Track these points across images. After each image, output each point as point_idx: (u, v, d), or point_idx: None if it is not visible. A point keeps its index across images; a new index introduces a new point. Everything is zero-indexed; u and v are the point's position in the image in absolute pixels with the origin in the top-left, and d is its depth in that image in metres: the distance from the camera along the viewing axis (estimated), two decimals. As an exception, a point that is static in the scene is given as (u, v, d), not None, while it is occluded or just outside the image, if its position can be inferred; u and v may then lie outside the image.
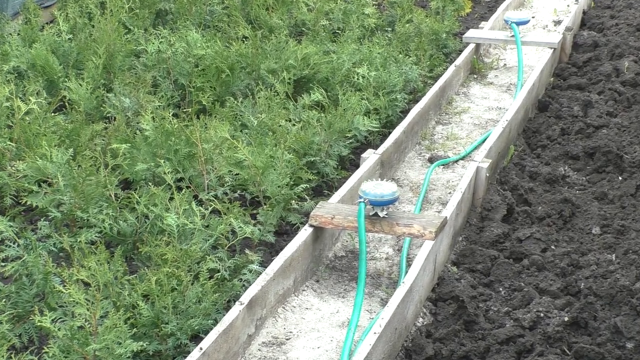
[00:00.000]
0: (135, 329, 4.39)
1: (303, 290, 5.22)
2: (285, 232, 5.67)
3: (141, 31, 8.20)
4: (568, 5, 10.96)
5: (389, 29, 9.18)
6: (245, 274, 4.96)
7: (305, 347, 4.75)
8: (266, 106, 6.66)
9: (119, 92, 6.80)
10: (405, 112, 7.27)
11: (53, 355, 4.12)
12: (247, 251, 5.13)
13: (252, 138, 6.21)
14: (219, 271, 4.89)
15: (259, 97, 6.78)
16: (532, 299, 5.05)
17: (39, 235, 5.07)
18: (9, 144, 5.86)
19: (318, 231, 5.34)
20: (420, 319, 4.99)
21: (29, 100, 6.14)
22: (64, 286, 4.33)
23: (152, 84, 7.14)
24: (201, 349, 4.24)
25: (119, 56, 7.40)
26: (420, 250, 5.11)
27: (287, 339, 4.81)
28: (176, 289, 4.54)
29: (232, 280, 4.91)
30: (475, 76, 8.65)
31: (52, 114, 6.37)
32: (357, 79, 7.30)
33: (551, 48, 8.62)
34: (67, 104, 6.74)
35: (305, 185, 5.84)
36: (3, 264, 4.67)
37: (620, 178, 6.51)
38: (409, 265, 5.29)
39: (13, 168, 5.62)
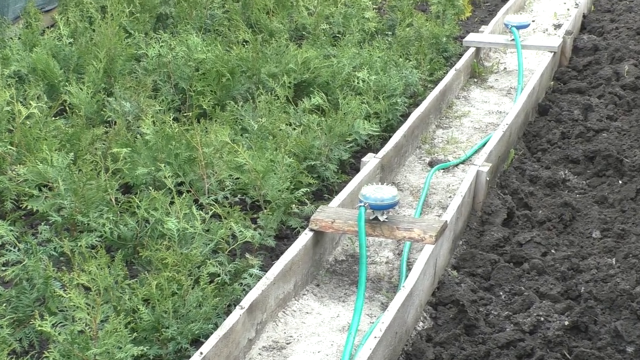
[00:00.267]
0: (135, 334, 4.40)
1: (303, 294, 5.22)
2: (285, 236, 5.67)
3: (142, 35, 8.20)
4: (568, 9, 10.97)
5: (390, 32, 9.18)
6: (246, 278, 4.96)
7: (305, 351, 4.76)
8: (266, 110, 6.67)
9: (120, 96, 6.81)
10: (405, 116, 7.27)
11: (53, 360, 4.13)
12: (247, 255, 5.13)
13: (253, 142, 6.22)
14: (219, 275, 4.89)
15: (259, 101, 6.79)
16: (532, 303, 5.06)
17: (40, 240, 5.08)
18: (10, 148, 5.87)
19: (318, 235, 5.35)
20: (421, 323, 4.99)
21: (30, 104, 6.15)
22: (65, 290, 4.33)
23: (153, 88, 7.14)
24: (201, 353, 4.24)
25: (120, 60, 7.41)
26: (420, 254, 5.11)
27: (287, 344, 4.81)
28: (177, 293, 4.54)
29: (233, 284, 4.91)
30: (475, 80, 8.66)
31: (53, 118, 6.38)
32: (358, 82, 7.30)
33: (551, 52, 8.62)
34: (67, 108, 6.74)
35: (305, 189, 5.85)
36: (3, 268, 4.67)
37: (620, 182, 6.51)
38: (409, 269, 5.29)
39: (14, 172, 5.62)
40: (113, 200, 5.36)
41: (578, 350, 4.67)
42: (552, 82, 8.48)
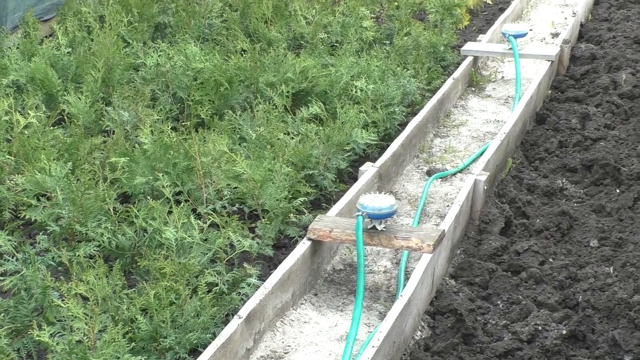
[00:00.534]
0: (133, 343, 4.40)
1: (301, 303, 5.22)
2: (283, 246, 5.67)
3: (140, 45, 8.22)
4: (566, 18, 10.99)
5: (387, 42, 9.20)
6: (244, 287, 4.97)
7: (303, 360, 4.77)
8: (265, 119, 6.68)
9: (118, 106, 6.81)
10: (403, 125, 7.28)
11: (51, 370, 4.13)
12: (245, 265, 5.13)
13: (251, 151, 6.23)
14: (217, 285, 4.89)
15: (257, 111, 6.80)
16: (530, 312, 5.06)
17: (38, 249, 5.08)
18: (8, 158, 5.87)
19: (316, 244, 5.35)
20: (419, 333, 4.99)
21: (28, 114, 6.15)
22: (63, 300, 4.33)
23: (151, 97, 7.15)
24: (199, 363, 4.25)
25: (118, 70, 7.42)
26: (418, 263, 5.12)
27: (285, 353, 4.82)
28: (175, 302, 4.55)
29: (231, 294, 4.91)
30: (473, 89, 8.67)
31: (51, 128, 6.38)
32: (356, 92, 7.31)
33: (549, 61, 8.64)
34: (66, 117, 6.75)
35: (303, 198, 5.85)
36: (1, 278, 4.68)
37: (617, 191, 6.52)
38: (407, 278, 5.30)
39: (12, 182, 5.62)
40: (111, 209, 5.37)
41: (576, 359, 4.68)
42: (549, 91, 8.50)
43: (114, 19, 8.24)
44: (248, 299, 4.78)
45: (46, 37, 8.64)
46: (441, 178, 6.81)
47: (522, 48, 8.89)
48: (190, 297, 4.62)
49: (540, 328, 4.89)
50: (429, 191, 6.58)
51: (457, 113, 8.10)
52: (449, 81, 8.08)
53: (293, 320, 5.07)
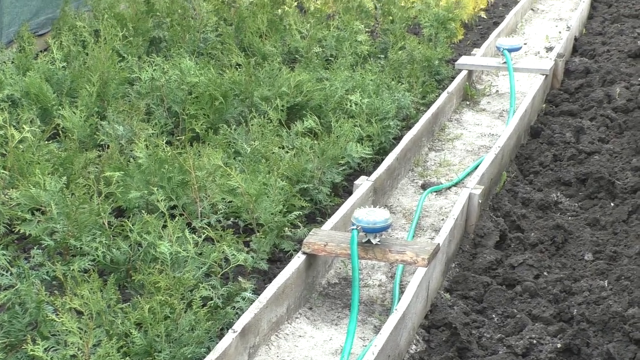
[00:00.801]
0: (128, 358, 4.39)
1: (296, 317, 5.22)
2: (278, 260, 5.67)
3: (135, 59, 8.23)
4: (560, 32, 11.02)
5: (382, 56, 9.22)
6: (239, 301, 4.96)
7: (298, 374, 4.76)
8: (259, 133, 6.68)
9: (113, 120, 6.82)
10: (398, 138, 7.29)
11: (46, 384, 4.12)
12: (240, 279, 5.13)
13: (246, 165, 6.23)
14: (212, 299, 4.89)
15: (252, 125, 6.80)
16: (524, 325, 5.06)
17: (32, 264, 5.07)
18: (3, 172, 5.87)
19: (311, 258, 5.35)
20: (414, 346, 4.99)
21: (23, 128, 6.15)
22: (57, 315, 4.32)
23: (146, 111, 7.16)
24: (194, 377, 4.24)
25: (113, 84, 7.42)
26: (413, 277, 5.12)
27: (280, 367, 4.81)
28: (169, 317, 4.54)
29: (225, 308, 4.91)
30: (467, 103, 8.69)
31: (46, 142, 6.39)
32: (350, 106, 7.32)
33: (543, 74, 8.66)
34: (60, 132, 6.75)
35: (298, 212, 5.85)
36: (-4, 292, 4.67)
37: (612, 204, 6.53)
38: (402, 292, 5.30)
39: (6, 196, 5.62)
40: (106, 224, 5.36)
41: (571, 373, 4.69)
42: (544, 105, 8.52)
43: (109, 33, 8.25)
44: (243, 313, 4.78)
45: (41, 51, 8.65)
46: (436, 192, 6.81)
47: (516, 62, 8.91)
48: (185, 311, 4.61)
49: (535, 342, 4.89)
50: (424, 205, 6.58)
51: (452, 127, 8.11)
52: (444, 95, 8.10)
53: (288, 334, 5.06)
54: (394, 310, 4.81)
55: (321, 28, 9.31)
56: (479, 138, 7.87)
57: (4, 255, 4.78)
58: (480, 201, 6.11)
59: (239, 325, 4.61)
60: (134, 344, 4.43)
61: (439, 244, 5.34)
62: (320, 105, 7.41)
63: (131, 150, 6.44)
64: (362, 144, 6.76)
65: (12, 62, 7.98)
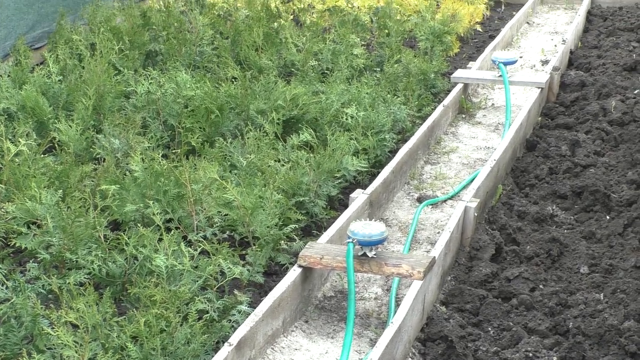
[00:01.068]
0: (123, 371, 4.39)
1: (292, 330, 5.22)
2: (274, 273, 5.67)
3: (131, 72, 8.24)
4: (555, 45, 11.05)
5: (378, 69, 9.23)
6: (234, 314, 4.96)
7: (294, 388, 4.75)
8: (255, 146, 6.69)
9: (109, 133, 6.82)
10: (393, 152, 7.30)
11: (41, 398, 4.11)
12: (236, 292, 5.13)
13: (241, 178, 6.23)
14: (207, 312, 4.89)
15: (248, 138, 6.81)
16: (520, 338, 5.06)
17: (28, 277, 5.07)
18: (-1, 186, 5.88)
19: (307, 271, 5.35)
20: (409, 359, 4.98)
21: (19, 141, 6.15)
22: (53, 328, 4.32)
23: (142, 124, 7.16)
24: (190, 390, 4.23)
25: (109, 97, 7.43)
26: (409, 290, 5.12)
27: (276, 380, 4.81)
28: (165, 330, 4.54)
29: (221, 321, 4.90)
30: (463, 116, 8.70)
31: (42, 156, 6.39)
32: (346, 119, 7.33)
33: (539, 88, 8.67)
34: (56, 145, 6.76)
35: (294, 225, 5.85)
36: (-9, 306, 4.67)
37: (607, 217, 6.54)
38: (397, 305, 5.30)
39: (2, 210, 5.62)
40: (102, 237, 5.36)
41: (566, 386, 4.69)
42: (539, 118, 8.53)
43: (105, 46, 8.27)
44: (238, 326, 4.78)
45: (37, 65, 8.65)
46: (432, 205, 6.82)
47: (512, 75, 8.93)
48: (181, 325, 4.61)
49: (531, 355, 4.89)
50: (420, 218, 6.59)
51: (448, 140, 8.12)
52: (440, 108, 8.11)
53: (284, 348, 5.06)
54: (390, 323, 4.81)
55: (317, 41, 9.33)
56: (474, 151, 7.88)
57: (-1, 268, 4.78)
58: (476, 214, 6.12)
59: (234, 339, 4.60)
60: (130, 358, 4.43)
61: (434, 257, 5.34)
62: (316, 119, 7.42)
63: (127, 164, 6.44)
64: (358, 157, 6.77)
65: (8, 76, 7.98)
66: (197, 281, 5.01)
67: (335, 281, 5.77)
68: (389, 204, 6.80)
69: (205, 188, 5.94)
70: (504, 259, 6.03)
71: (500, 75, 8.81)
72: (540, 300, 5.46)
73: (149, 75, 7.94)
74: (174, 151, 6.91)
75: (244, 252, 5.61)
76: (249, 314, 4.87)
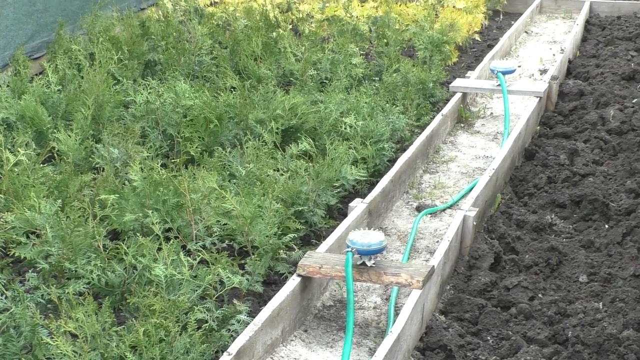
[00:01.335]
0: (123, 381, 4.39)
1: (291, 340, 5.22)
2: (273, 282, 5.67)
3: (130, 82, 8.25)
4: (554, 55, 11.07)
5: (377, 78, 9.25)
6: (234, 324, 4.96)
7: (293, 397, 4.75)
8: (254, 156, 6.69)
9: (108, 143, 6.83)
10: (392, 161, 7.31)
11: (40, 408, 4.11)
12: (235, 301, 5.13)
13: (240, 188, 6.24)
14: (207, 322, 4.89)
15: (247, 147, 6.82)
16: (519, 347, 5.06)
17: (27, 287, 5.07)
18: (-2, 196, 5.88)
19: (306, 281, 5.35)
20: (409, 369, 4.99)
21: (18, 151, 6.16)
22: (52, 338, 4.32)
23: (141, 134, 7.17)
24: (189, 400, 4.23)
25: (108, 107, 7.44)
26: (408, 299, 5.12)
27: (275, 390, 4.80)
28: (164, 339, 4.54)
29: (220, 330, 4.90)
30: (462, 125, 8.71)
31: (41, 165, 6.39)
32: (345, 128, 7.34)
33: (537, 97, 8.69)
34: (55, 155, 6.76)
35: (293, 234, 5.86)
36: (-9, 315, 4.67)
37: (606, 226, 6.54)
38: (397, 314, 5.30)
39: (1, 220, 5.62)
40: (101, 246, 5.36)
41: (566, 395, 4.68)
42: (538, 127, 8.54)
43: (104, 56, 8.28)
44: (238, 335, 4.78)
45: (36, 74, 8.67)
46: (430, 214, 6.82)
47: (510, 84, 8.94)
48: (180, 334, 4.61)
49: (530, 364, 4.89)
50: (419, 227, 6.59)
51: (447, 149, 8.13)
52: (438, 117, 8.12)
53: (283, 357, 5.06)
54: (389, 332, 4.81)
55: (316, 51, 9.34)
56: (473, 160, 7.88)
57: (-2, 278, 4.78)
58: (474, 223, 6.12)
59: (233, 348, 4.60)
60: (129, 367, 4.43)
61: (433, 266, 5.34)
62: (314, 128, 7.43)
63: (126, 173, 6.45)
64: (356, 167, 6.77)
65: (8, 86, 7.99)
66: (196, 290, 5.01)
67: (335, 290, 5.77)
68: (388, 213, 6.80)
69: (204, 197, 5.95)
70: (503, 268, 6.03)
71: (499, 85, 8.82)
72: (539, 309, 5.46)
73: (148, 85, 7.95)
74: (172, 161, 6.92)
75: (243, 261, 5.62)
76: (248, 323, 4.87)
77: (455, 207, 6.93)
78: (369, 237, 5.21)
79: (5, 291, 4.75)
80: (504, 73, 8.88)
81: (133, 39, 9.21)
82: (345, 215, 6.35)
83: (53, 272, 5.28)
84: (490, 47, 11.13)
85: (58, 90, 7.79)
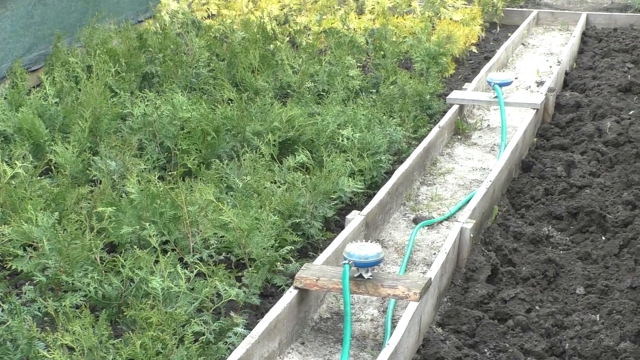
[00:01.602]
0: (119, 394, 4.38)
1: (288, 352, 5.21)
2: (270, 294, 5.67)
3: (127, 94, 8.25)
4: (550, 67, 11.09)
5: (374, 90, 9.26)
6: (231, 336, 4.96)
7: (290, 410, 4.74)
8: (251, 168, 6.70)
9: (105, 155, 6.83)
10: (389, 173, 7.31)
11: (37, 421, 4.11)
12: (232, 314, 5.13)
13: (238, 200, 6.24)
14: (204, 334, 4.89)
15: (244, 159, 6.82)
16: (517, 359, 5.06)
17: (24, 300, 5.07)
18: (-5, 208, 5.88)
19: (303, 293, 5.35)
20: (406, 381, 4.98)
21: (15, 164, 6.17)
22: (48, 351, 4.32)
23: (138, 146, 7.17)
24: (186, 413, 4.23)
25: (105, 119, 7.44)
26: (405, 311, 5.12)
27: (272, 402, 4.80)
28: (161, 352, 4.53)
29: (217, 343, 4.90)
30: (459, 137, 8.72)
31: (38, 178, 6.39)
32: (342, 140, 7.35)
33: (534, 109, 8.70)
34: (53, 167, 6.76)
35: (290, 247, 5.86)
36: (-13, 328, 4.66)
37: (603, 238, 6.55)
38: (394, 326, 5.29)
39: (-2, 232, 5.63)
40: (98, 259, 5.36)
41: (563, 407, 4.68)
42: (535, 139, 8.55)
43: (101, 69, 8.28)
44: (235, 348, 4.77)
45: (34, 87, 8.67)
46: (428, 226, 6.82)
47: (507, 96, 8.95)
48: (177, 347, 4.60)
49: (527, 376, 4.89)
50: (416, 239, 6.59)
51: (444, 161, 8.13)
52: (435, 129, 8.13)
53: (280, 370, 5.06)
54: (386, 344, 4.81)
55: (313, 63, 9.36)
56: (470, 172, 7.89)
57: (-5, 291, 4.78)
58: (471, 235, 6.13)
59: (230, 361, 4.60)
60: (126, 380, 4.43)
61: (430, 278, 5.35)
62: (312, 140, 7.44)
63: (123, 186, 6.45)
64: (354, 179, 6.78)
65: (5, 98, 7.99)
66: (193, 303, 5.01)
67: (332, 303, 5.77)
68: (385, 225, 6.80)
69: (202, 210, 5.95)
70: (500, 280, 6.03)
71: (496, 97, 8.83)
72: (536, 321, 5.46)
73: (145, 97, 7.96)
74: (170, 173, 6.92)
75: (240, 273, 5.62)
76: (245, 335, 4.87)
77: (452, 219, 6.93)
78: (366, 250, 5.22)
79: (2, 304, 4.75)
80: (501, 85, 8.89)
81: (130, 52, 9.22)
82: (342, 227, 6.35)
83: (50, 285, 5.28)
84: (487, 59, 11.15)
85: (55, 102, 7.80)
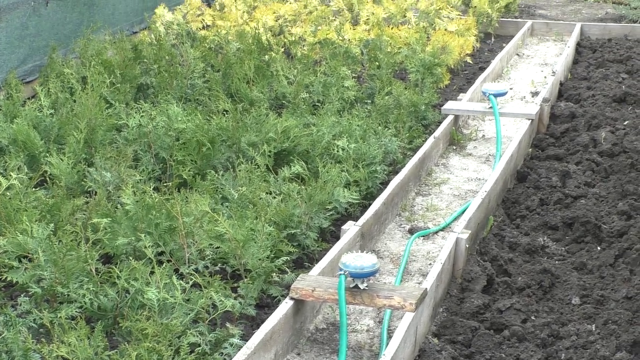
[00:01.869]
0: (115, 405, 4.37)
1: (284, 363, 5.21)
2: (266, 305, 5.67)
3: (122, 105, 8.25)
4: (545, 77, 11.11)
5: (369, 101, 9.27)
6: (226, 347, 4.95)
7: (286, 421, 4.74)
8: (247, 179, 6.70)
9: (100, 167, 6.83)
10: (385, 183, 7.31)
11: None
12: (228, 325, 5.12)
13: (233, 211, 6.24)
14: (199, 345, 4.88)
15: (239, 170, 6.82)
16: (513, 370, 5.06)
17: (19, 311, 5.06)
18: (-10, 220, 5.87)
19: (299, 304, 5.35)
20: (402, 392, 4.98)
21: (10, 175, 6.16)
22: (44, 362, 4.31)
23: (133, 158, 7.17)
24: None
25: (100, 130, 7.44)
26: (401, 322, 5.12)
27: (268, 414, 4.79)
28: (157, 364, 4.53)
29: (213, 354, 4.90)
30: (454, 147, 8.73)
31: (33, 189, 6.38)
32: (337, 151, 7.35)
33: (529, 119, 8.71)
34: (48, 178, 6.76)
35: (286, 257, 5.85)
36: (-18, 340, 4.65)
37: (599, 248, 6.55)
38: (390, 337, 5.29)
39: (-7, 244, 5.61)
40: (93, 270, 5.36)
41: (559, 418, 4.68)
42: (530, 149, 8.56)
43: (96, 80, 8.28)
44: (230, 359, 4.76)
45: (29, 98, 8.67)
46: (423, 236, 6.83)
47: (502, 107, 8.97)
48: (173, 358, 4.60)
49: (523, 386, 4.88)
50: (411, 249, 6.59)
51: (439, 171, 8.14)
52: (430, 140, 8.13)
53: (276, 381, 5.05)
54: (382, 355, 4.80)
55: (308, 74, 9.36)
56: (465, 182, 7.90)
57: (-10, 302, 4.77)
58: (467, 246, 6.13)
59: (226, 372, 4.59)
60: (121, 392, 4.42)
61: (426, 288, 5.34)
62: (307, 151, 7.44)
63: (118, 197, 6.45)
64: (349, 189, 6.78)
65: (0, 110, 7.99)
66: (189, 314, 5.00)
67: (327, 313, 5.77)
68: (380, 235, 6.80)
69: (197, 221, 5.94)
70: (496, 290, 6.03)
71: (491, 107, 8.85)
72: (532, 331, 5.46)
73: (141, 109, 7.95)
74: (165, 184, 6.92)
75: (235, 284, 5.61)
76: (241, 347, 4.87)
77: (447, 229, 6.94)
78: (362, 260, 5.21)
79: (-3, 316, 4.74)
80: (496, 95, 8.91)
81: (125, 63, 9.22)
82: (337, 238, 6.35)
83: (45, 296, 5.27)
84: (482, 69, 11.17)
85: (50, 113, 7.79)
